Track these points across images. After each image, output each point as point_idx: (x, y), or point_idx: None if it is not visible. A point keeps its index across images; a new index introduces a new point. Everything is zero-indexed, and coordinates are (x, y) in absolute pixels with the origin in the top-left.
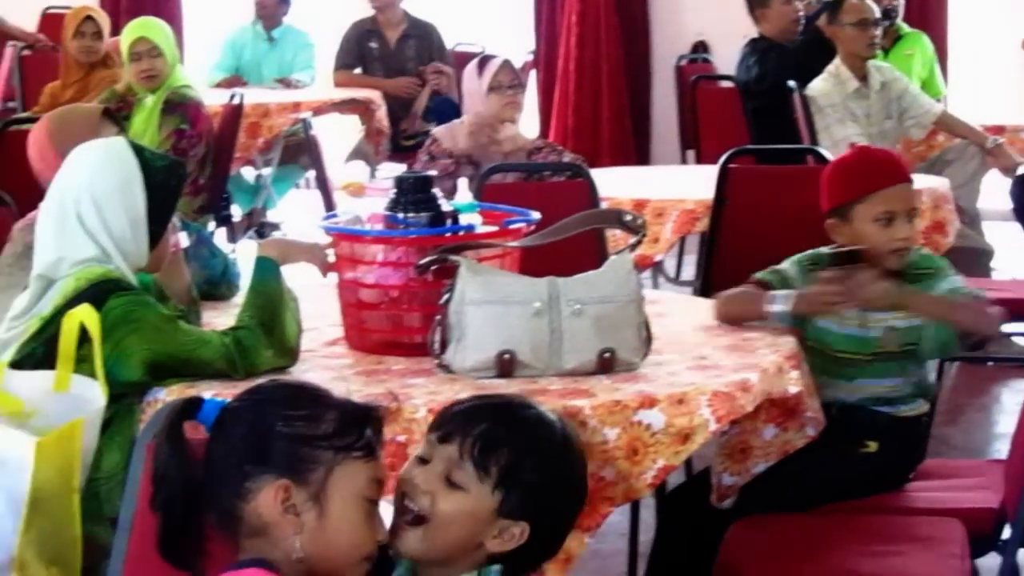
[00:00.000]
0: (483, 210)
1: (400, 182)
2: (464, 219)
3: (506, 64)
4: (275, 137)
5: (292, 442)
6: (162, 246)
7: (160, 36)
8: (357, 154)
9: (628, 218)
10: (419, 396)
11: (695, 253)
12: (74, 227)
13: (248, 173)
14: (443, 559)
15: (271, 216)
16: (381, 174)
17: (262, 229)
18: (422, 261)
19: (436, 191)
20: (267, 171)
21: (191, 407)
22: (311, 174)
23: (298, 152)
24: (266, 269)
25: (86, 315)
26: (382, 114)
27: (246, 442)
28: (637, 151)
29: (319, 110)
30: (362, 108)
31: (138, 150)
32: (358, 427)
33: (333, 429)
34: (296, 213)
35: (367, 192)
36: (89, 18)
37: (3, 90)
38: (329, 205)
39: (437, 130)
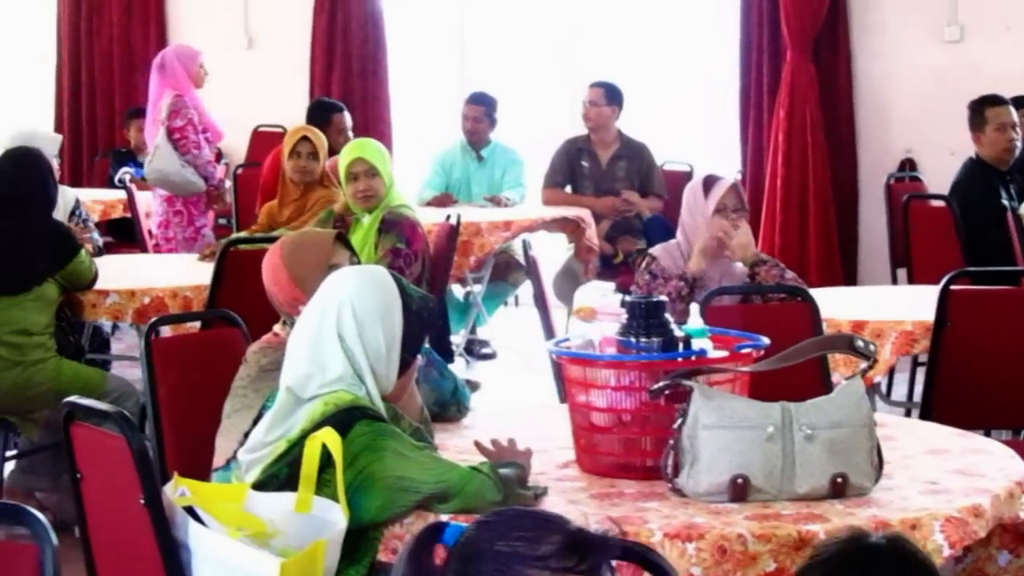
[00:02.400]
0: (713, 335)
1: (632, 307)
2: (695, 344)
3: (733, 187)
4: (487, 255)
5: (507, 560)
6: (408, 375)
7: (377, 157)
8: (566, 272)
9: (860, 344)
10: (654, 520)
11: (905, 371)
12: (331, 343)
13: (458, 290)
14: None
15: (480, 334)
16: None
17: (471, 347)
18: (656, 385)
19: (668, 316)
20: (478, 288)
21: (436, 531)
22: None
23: (507, 269)
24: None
25: (329, 439)
26: (592, 232)
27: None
28: (844, 269)
29: (530, 228)
30: (572, 226)
31: (396, 278)
32: (582, 553)
33: (552, 551)
34: (505, 331)
35: (598, 316)
36: (305, 138)
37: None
38: (548, 325)
39: (655, 249)
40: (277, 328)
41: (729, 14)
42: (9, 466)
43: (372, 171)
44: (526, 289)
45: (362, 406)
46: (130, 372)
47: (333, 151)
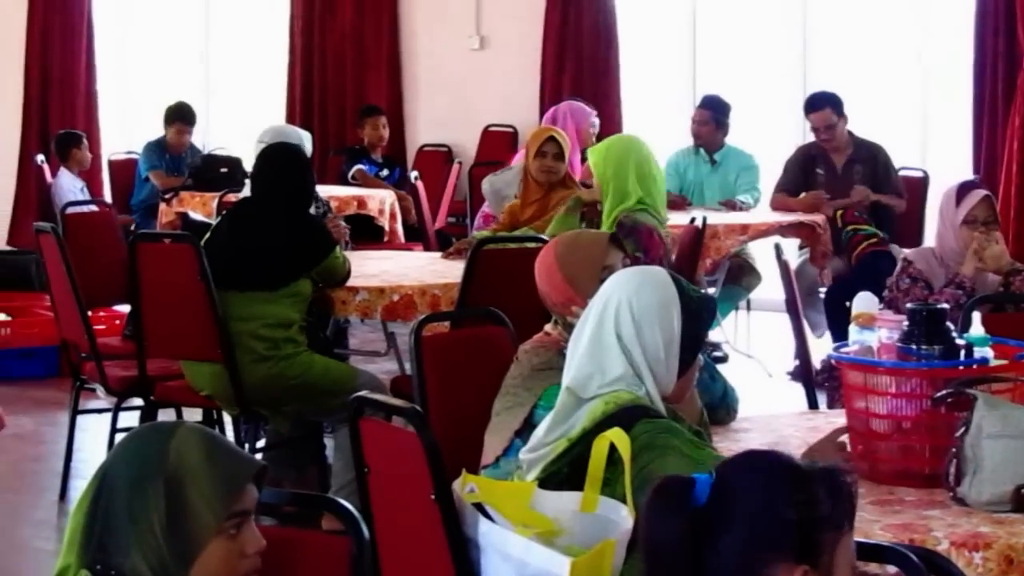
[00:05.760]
0: (994, 343)
1: (913, 314)
2: (977, 352)
3: (986, 199)
4: (722, 258)
5: (804, 528)
6: (688, 376)
7: (593, 155)
8: (800, 277)
9: None
10: (938, 529)
11: None
12: (611, 343)
13: None
14: None
15: (712, 336)
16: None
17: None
18: (939, 393)
19: (948, 324)
20: (712, 291)
21: (684, 485)
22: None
23: (741, 273)
24: None
25: (617, 438)
26: (827, 237)
27: (756, 526)
28: None
29: (766, 232)
30: (807, 231)
31: (675, 278)
32: (846, 500)
33: (831, 510)
34: (736, 335)
35: (877, 323)
36: (552, 139)
37: (447, 206)
38: (799, 330)
39: (910, 253)
40: (548, 328)
41: (963, 20)
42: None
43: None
44: (758, 293)
45: (643, 405)
46: (363, 367)
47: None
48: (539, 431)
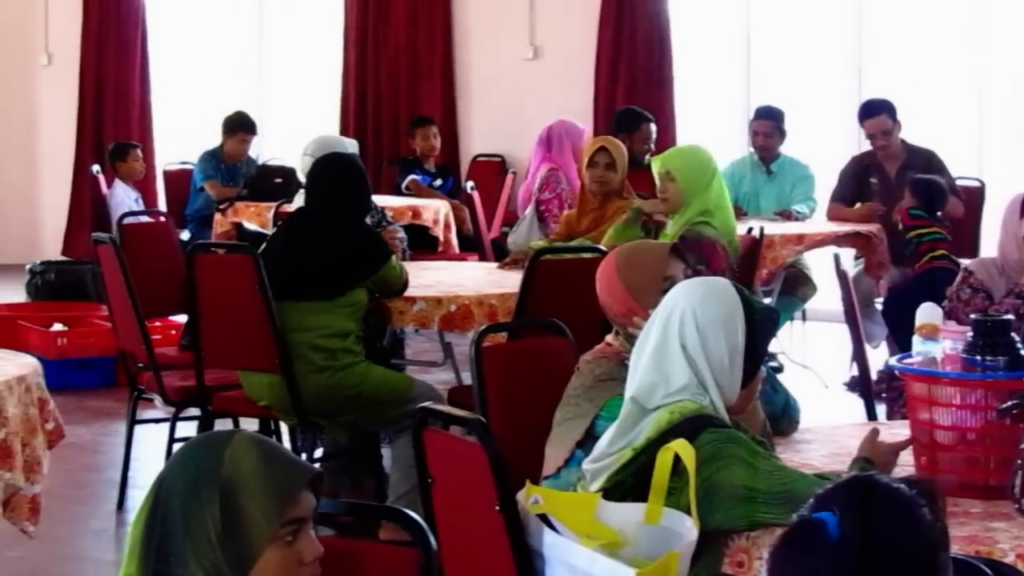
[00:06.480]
0: None
1: (978, 325)
2: None
3: None
4: (778, 268)
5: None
6: (751, 387)
7: (677, 164)
8: (855, 286)
9: None
10: (1004, 541)
11: None
12: (675, 353)
13: None
14: None
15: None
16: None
17: None
18: (1004, 405)
19: (1014, 335)
20: (767, 301)
21: (814, 528)
22: (807, 306)
23: (796, 283)
24: None
25: (682, 449)
26: (883, 248)
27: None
28: None
29: (822, 242)
30: (863, 241)
31: (738, 288)
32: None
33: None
34: (792, 345)
35: (941, 334)
36: (603, 149)
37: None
38: (858, 339)
39: (971, 264)
40: (610, 338)
41: (1020, 27)
42: None
43: (669, 175)
44: (813, 303)
45: (708, 414)
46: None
47: (634, 160)
48: (602, 441)
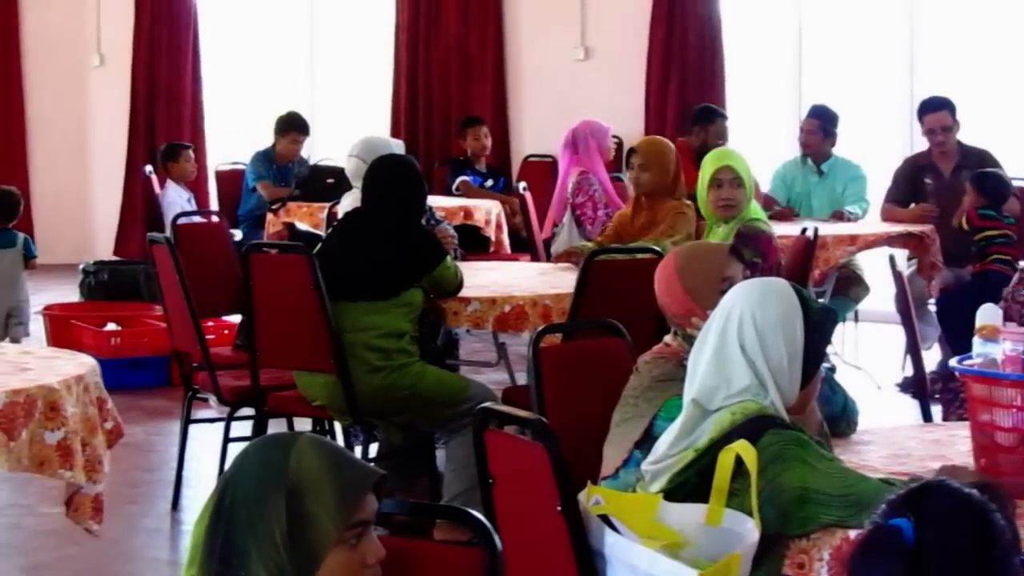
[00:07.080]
0: None
1: None
2: None
3: None
4: (830, 269)
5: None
6: (810, 388)
7: (743, 167)
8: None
9: None
10: None
11: None
12: (734, 354)
13: None
14: None
15: None
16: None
17: None
18: None
19: None
20: (820, 302)
21: (890, 534)
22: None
23: (848, 284)
24: None
25: (744, 450)
26: (936, 248)
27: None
28: None
29: (875, 243)
30: (915, 242)
31: (797, 289)
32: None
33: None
34: (844, 346)
35: (1001, 335)
36: (633, 150)
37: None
38: (914, 341)
39: None
40: (668, 339)
41: None
42: None
43: (737, 181)
44: (865, 304)
45: (770, 415)
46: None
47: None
48: (662, 442)
